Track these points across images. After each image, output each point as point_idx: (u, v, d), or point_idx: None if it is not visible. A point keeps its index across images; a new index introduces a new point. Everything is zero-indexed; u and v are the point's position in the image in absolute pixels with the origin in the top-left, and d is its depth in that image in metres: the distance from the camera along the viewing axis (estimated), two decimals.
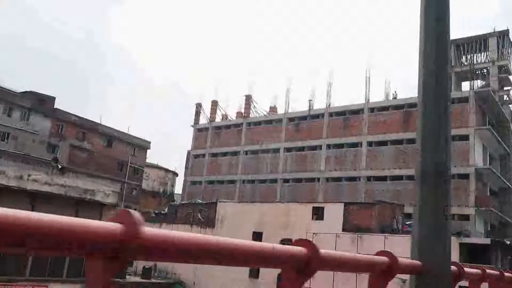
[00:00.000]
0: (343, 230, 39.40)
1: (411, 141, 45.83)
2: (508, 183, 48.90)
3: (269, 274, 42.38)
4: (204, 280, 46.68)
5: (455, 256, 33.86)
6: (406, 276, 3.30)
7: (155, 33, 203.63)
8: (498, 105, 47.39)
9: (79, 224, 1.15)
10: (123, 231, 1.23)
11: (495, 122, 50.73)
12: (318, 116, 52.85)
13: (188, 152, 64.34)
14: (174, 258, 1.50)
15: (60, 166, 25.83)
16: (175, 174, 79.56)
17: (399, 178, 45.68)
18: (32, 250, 1.20)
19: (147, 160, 77.91)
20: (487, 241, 33.88)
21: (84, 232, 1.16)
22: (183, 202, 53.87)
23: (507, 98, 54.25)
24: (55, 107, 58.47)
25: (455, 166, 42.17)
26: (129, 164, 66.10)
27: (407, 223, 38.42)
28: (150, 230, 1.30)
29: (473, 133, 42.71)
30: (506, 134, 51.40)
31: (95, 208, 28.84)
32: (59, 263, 26.20)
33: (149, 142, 69.84)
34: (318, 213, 41.14)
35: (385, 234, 37.02)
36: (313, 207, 41.73)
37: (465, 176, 42.34)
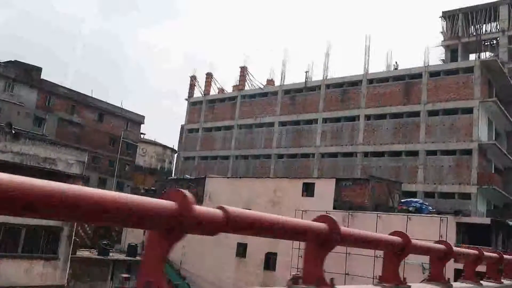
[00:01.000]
0: (334, 207, 37.01)
1: (411, 114, 43.04)
2: None
3: (255, 254, 40.33)
4: (191, 259, 44.76)
5: (451, 236, 31.29)
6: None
7: (157, 6, 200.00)
8: (506, 77, 44.14)
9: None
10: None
11: (503, 96, 47.50)
12: (314, 88, 50.01)
13: (182, 127, 62.00)
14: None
15: (14, 132, 23.44)
16: (174, 151, 77.38)
17: (398, 154, 42.99)
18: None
19: (146, 137, 76.04)
20: (487, 221, 31.24)
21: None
22: (170, 177, 51.70)
23: None
24: (41, 78, 56.20)
25: (457, 141, 39.40)
26: (121, 139, 63.97)
27: (402, 201, 35.86)
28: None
29: (478, 105, 39.70)
30: None
31: (59, 179, 26.56)
32: (15, 238, 24.17)
33: (143, 117, 67.64)
34: (308, 190, 38.74)
35: (378, 213, 34.50)
36: (303, 183, 39.28)
37: (468, 152, 39.53)
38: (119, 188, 61.88)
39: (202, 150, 58.36)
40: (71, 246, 27.19)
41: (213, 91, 60.59)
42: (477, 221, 31.81)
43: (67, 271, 27.23)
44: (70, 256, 27.35)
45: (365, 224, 33.73)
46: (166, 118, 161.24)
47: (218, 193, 44.37)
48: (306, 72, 50.90)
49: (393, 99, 44.18)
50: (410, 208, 34.49)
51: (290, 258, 37.97)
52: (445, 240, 3.78)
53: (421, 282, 4.11)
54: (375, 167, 43.56)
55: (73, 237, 27.55)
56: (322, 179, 39.42)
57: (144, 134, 76.92)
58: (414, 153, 42.00)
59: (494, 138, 42.28)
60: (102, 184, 60.35)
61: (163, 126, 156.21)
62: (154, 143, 75.85)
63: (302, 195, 39.06)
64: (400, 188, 40.14)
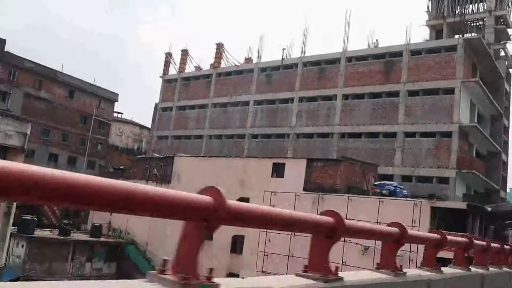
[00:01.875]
0: (305, 189, 34.93)
1: (391, 94, 40.97)
2: (497, 147, 44.13)
3: (222, 236, 38.29)
4: (156, 241, 42.64)
5: (425, 220, 29.38)
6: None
7: None
8: (491, 58, 42.13)
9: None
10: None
11: (488, 79, 45.56)
12: (291, 66, 47.69)
13: (156, 105, 59.43)
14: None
15: None
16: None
17: (375, 135, 40.95)
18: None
19: (124, 116, 73.41)
20: (463, 205, 29.34)
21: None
22: (139, 156, 49.36)
23: (504, 54, 48.80)
24: (5, 50, 53.21)
25: (437, 123, 37.44)
26: (93, 117, 61.29)
27: (375, 183, 33.85)
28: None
29: (460, 86, 37.66)
30: (499, 92, 46.36)
31: None
32: None
33: (117, 94, 65.00)
34: (278, 170, 36.59)
35: (349, 195, 32.49)
36: (273, 163, 37.10)
37: (448, 135, 37.60)
38: (91, 167, 59.44)
39: (175, 129, 55.98)
40: (9, 224, 24.83)
41: (190, 70, 58.04)
42: (452, 206, 29.90)
43: (5, 251, 24.96)
44: (8, 235, 25.06)
45: (335, 208, 31.63)
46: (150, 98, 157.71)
47: (186, 172, 42.19)
48: (283, 49, 48.60)
49: (372, 78, 42.02)
50: (384, 191, 32.52)
51: (257, 242, 36.02)
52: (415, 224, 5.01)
53: (417, 268, 4.12)
54: (352, 148, 41.50)
55: (13, 214, 25.16)
56: (292, 159, 37.32)
57: (121, 113, 74.42)
58: (392, 135, 39.99)
59: (476, 122, 40.32)
60: (71, 163, 57.85)
61: (143, 104, 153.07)
62: (131, 123, 73.27)
63: (271, 176, 36.95)
64: (375, 171, 38.17)
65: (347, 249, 32.04)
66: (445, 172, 37.02)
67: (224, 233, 38.11)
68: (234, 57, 54.58)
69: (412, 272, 3.65)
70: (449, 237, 4.35)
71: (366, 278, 2.95)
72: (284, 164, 36.61)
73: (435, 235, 4.09)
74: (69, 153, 58.56)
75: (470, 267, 4.87)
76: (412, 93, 39.87)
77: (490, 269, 5.47)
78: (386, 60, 41.76)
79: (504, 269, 5.98)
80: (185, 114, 55.56)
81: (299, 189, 34.89)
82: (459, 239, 5.17)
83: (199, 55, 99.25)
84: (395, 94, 40.58)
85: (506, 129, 48.47)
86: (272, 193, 35.70)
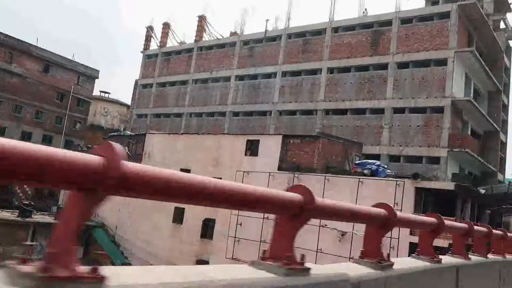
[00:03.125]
0: (280, 168, 31.88)
1: (379, 67, 37.67)
2: (495, 125, 40.78)
3: (192, 220, 35.45)
4: (127, 224, 39.89)
5: (408, 202, 26.29)
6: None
7: None
8: (489, 27, 38.65)
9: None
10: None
11: (487, 52, 42.11)
12: (275, 38, 44.31)
13: (136, 82, 56.22)
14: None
15: None
16: None
17: (361, 111, 37.71)
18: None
19: (111, 96, 70.35)
20: (450, 186, 26.14)
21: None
22: (111, 134, 46.34)
23: (504, 25, 45.13)
24: None
25: (428, 97, 34.17)
26: (71, 94, 58.15)
27: (356, 162, 30.72)
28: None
29: (453, 56, 34.25)
30: (498, 67, 42.88)
31: None
32: None
33: (97, 71, 61.75)
34: (252, 148, 33.49)
35: (326, 175, 29.39)
36: (247, 140, 33.99)
37: (439, 110, 34.32)
38: (67, 146, 56.45)
39: (155, 107, 52.84)
40: None
41: (172, 45, 54.65)
42: (439, 186, 26.72)
43: None
44: None
45: (311, 187, 28.61)
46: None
47: (157, 151, 39.25)
48: (266, 20, 45.31)
49: (359, 49, 38.65)
50: (365, 171, 29.42)
51: (228, 226, 33.08)
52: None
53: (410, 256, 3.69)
54: (336, 126, 38.31)
55: None
56: (267, 136, 34.22)
57: (108, 93, 71.40)
58: (380, 111, 36.74)
59: (472, 98, 36.93)
60: (46, 141, 54.77)
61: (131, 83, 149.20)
62: (118, 103, 70.21)
63: (245, 154, 33.87)
64: (360, 150, 35.06)
65: (323, 235, 29.07)
66: (435, 151, 33.82)
67: (195, 216, 35.27)
68: (218, 31, 51.22)
69: (403, 260, 3.24)
70: (448, 222, 3.98)
71: (336, 273, 2.27)
72: (258, 141, 33.50)
73: (432, 219, 3.64)
74: (44, 131, 55.57)
75: (469, 255, 4.59)
76: (401, 65, 36.53)
77: (490, 257, 5.26)
78: (375, 30, 38.33)
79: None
80: (165, 91, 52.41)
81: (273, 169, 31.85)
82: (458, 224, 4.92)
83: (184, 30, 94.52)
84: (383, 66, 37.24)
85: (506, 107, 45.07)
86: (245, 173, 32.68)
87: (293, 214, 1.93)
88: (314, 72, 40.87)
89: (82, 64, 59.88)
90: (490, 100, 42.67)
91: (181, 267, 1.63)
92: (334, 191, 27.55)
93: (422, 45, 35.65)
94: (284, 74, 42.69)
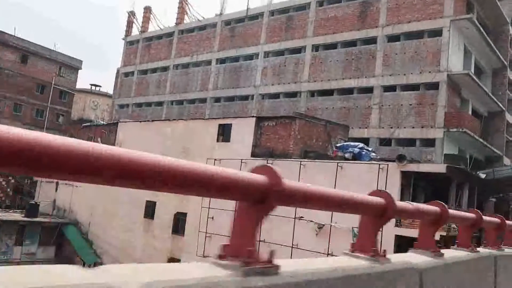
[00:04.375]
0: (253, 155, 28.58)
1: (367, 41, 34.07)
2: (500, 104, 36.94)
3: (164, 214, 32.36)
4: (99, 221, 36.97)
5: (393, 188, 22.75)
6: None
7: None
8: None
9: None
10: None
11: (489, 24, 38.22)
12: (257, 16, 40.83)
13: (118, 71, 53.14)
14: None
15: None
16: None
17: (349, 91, 34.16)
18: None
19: (102, 89, 67.48)
20: (442, 168, 22.51)
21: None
22: (84, 124, 43.34)
23: None
24: None
25: (421, 73, 30.56)
26: (52, 85, 55.30)
27: (337, 145, 27.23)
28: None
29: (449, 25, 30.49)
30: (503, 40, 38.98)
31: None
32: None
33: (80, 61, 58.82)
34: (224, 133, 30.19)
35: (302, 160, 26.00)
36: (219, 124, 30.68)
37: (434, 86, 30.62)
38: None
39: (136, 96, 49.74)
40: None
41: (154, 29, 51.43)
42: (427, 169, 23.13)
43: None
44: None
45: (286, 175, 25.24)
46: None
47: (129, 140, 36.21)
48: None
49: (346, 23, 35.01)
50: (347, 155, 25.96)
51: (199, 220, 29.89)
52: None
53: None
54: (322, 108, 34.80)
55: None
56: (240, 119, 30.83)
57: (99, 86, 68.57)
58: (368, 90, 33.15)
59: (473, 73, 33.14)
60: None
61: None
62: (107, 95, 67.28)
63: (217, 140, 30.58)
64: (346, 133, 31.54)
65: (299, 228, 25.69)
66: (430, 132, 30.17)
67: (166, 210, 32.14)
68: (200, 13, 47.85)
69: (398, 256, 2.92)
70: (452, 212, 3.65)
71: (308, 268, 1.91)
72: (230, 125, 30.16)
73: (435, 208, 3.26)
74: (23, 125, 52.64)
75: (478, 248, 4.25)
76: (391, 39, 32.86)
77: (506, 250, 5.01)
78: (362, 1, 34.65)
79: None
80: (147, 78, 49.27)
81: (247, 155, 28.51)
82: (463, 214, 4.43)
83: (166, 13, 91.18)
84: (372, 40, 33.59)
85: None
86: (217, 161, 29.35)
87: (256, 199, 1.58)
88: (298, 50, 37.37)
89: (64, 54, 57.00)
90: (495, 77, 38.77)
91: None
92: (312, 179, 24.09)
93: (414, 15, 31.93)
94: (267, 54, 39.25)
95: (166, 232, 32.06)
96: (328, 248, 23.73)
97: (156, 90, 47.55)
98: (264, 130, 28.78)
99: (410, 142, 30.84)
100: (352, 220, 23.85)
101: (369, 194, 2.45)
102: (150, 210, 33.30)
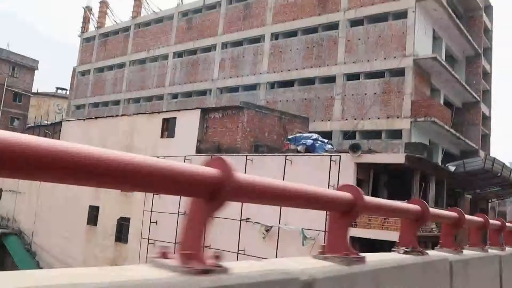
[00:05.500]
0: (198, 151, 25.63)
1: (328, 27, 31.42)
2: (474, 95, 34.46)
3: (107, 220, 29.26)
4: (43, 229, 33.65)
5: (346, 182, 19.80)
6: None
7: None
8: None
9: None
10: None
11: (461, 10, 35.86)
12: (215, 5, 38.00)
13: (74, 70, 49.93)
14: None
15: None
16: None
17: (310, 82, 31.41)
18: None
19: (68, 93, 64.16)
20: (400, 158, 19.69)
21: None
22: (28, 126, 40.12)
23: None
24: None
25: (385, 59, 27.93)
26: (5, 87, 51.93)
27: (289, 137, 24.33)
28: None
29: (414, 5, 27.88)
30: (477, 26, 36.61)
31: None
32: None
33: (37, 61, 55.44)
34: (169, 128, 27.19)
35: (249, 154, 23.10)
36: (163, 119, 27.69)
37: (399, 73, 27.98)
38: None
39: (93, 95, 46.58)
40: None
41: (110, 23, 48.42)
42: (384, 160, 20.32)
43: None
44: None
45: None
46: None
47: (75, 139, 32.80)
48: None
49: (306, 9, 32.32)
50: (299, 147, 23.07)
51: (141, 224, 26.85)
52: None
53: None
54: (282, 101, 31.99)
55: None
56: (185, 111, 27.88)
57: (65, 89, 65.37)
58: (331, 79, 30.41)
59: (444, 60, 30.57)
60: None
61: None
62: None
63: (161, 136, 27.58)
64: (306, 126, 28.73)
65: (246, 231, 22.73)
66: (396, 122, 27.46)
67: (110, 216, 29.05)
68: (158, 6, 44.89)
69: (376, 256, 2.62)
70: (433, 210, 3.47)
71: (261, 270, 1.68)
72: (175, 119, 27.17)
73: (415, 207, 3.08)
74: None
75: (486, 247, 4.63)
76: (354, 23, 30.19)
77: (507, 249, 5.14)
78: None
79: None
80: (103, 76, 46.15)
81: (191, 151, 25.53)
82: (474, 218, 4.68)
83: (123, 7, 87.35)
84: (334, 26, 30.91)
85: (488, 75, 38.71)
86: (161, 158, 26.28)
87: (206, 195, 1.41)
88: (257, 40, 34.61)
89: (17, 54, 53.68)
90: (469, 66, 36.30)
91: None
92: (260, 174, 21.09)
93: None
94: (225, 45, 36.43)
95: (109, 240, 28.93)
96: (277, 253, 20.77)
97: (112, 89, 44.48)
98: (210, 123, 25.86)
99: (376, 134, 28.13)
100: (303, 221, 20.96)
101: (338, 189, 2.20)
102: (93, 216, 30.17)
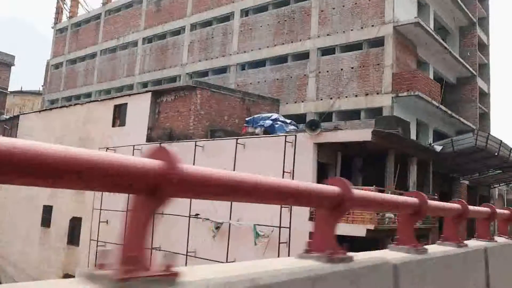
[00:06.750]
0: (149, 139, 22.68)
1: None
2: (470, 68, 31.04)
3: (60, 221, 26.48)
4: (5, 238, 30.96)
5: (306, 167, 16.81)
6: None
7: None
8: None
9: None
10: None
11: None
12: None
13: (47, 63, 47.33)
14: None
15: None
16: None
17: (282, 60, 28.28)
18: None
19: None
20: (365, 135, 16.47)
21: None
22: None
23: None
24: None
25: (362, 28, 24.74)
26: None
27: (247, 119, 21.27)
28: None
29: None
30: None
31: None
32: None
33: (13, 57, 52.95)
34: (120, 116, 24.27)
35: (198, 140, 20.09)
36: (114, 106, 24.80)
37: (378, 43, 24.72)
38: None
39: (66, 89, 43.95)
40: None
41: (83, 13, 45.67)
42: (346, 137, 17.12)
43: None
44: None
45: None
46: None
47: (32, 133, 30.37)
48: None
49: None
50: (257, 130, 20.00)
51: (90, 224, 24.00)
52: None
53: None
54: (253, 83, 28.90)
55: None
56: (135, 96, 24.94)
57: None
58: (304, 56, 27.25)
59: (436, 34, 27.17)
60: None
61: None
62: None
63: (113, 125, 24.68)
64: (276, 108, 25.68)
65: (195, 230, 19.72)
66: (376, 99, 24.24)
67: (63, 216, 26.27)
68: None
69: (360, 255, 2.29)
70: (431, 203, 3.13)
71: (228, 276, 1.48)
72: (126, 105, 24.24)
73: (413, 200, 2.86)
74: None
75: (494, 237, 4.56)
76: None
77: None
78: None
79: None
80: (75, 68, 43.47)
81: (141, 140, 22.58)
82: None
83: None
84: None
85: (485, 47, 35.19)
86: (111, 150, 23.41)
87: (146, 190, 1.24)
88: (227, 18, 31.54)
89: None
90: (463, 37, 32.88)
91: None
92: (211, 162, 18.12)
93: None
94: (194, 27, 33.42)
95: (62, 242, 26.16)
96: (227, 254, 17.72)
97: (84, 81, 41.78)
98: (162, 107, 22.89)
99: (354, 114, 24.95)
100: (259, 216, 17.90)
101: (329, 183, 2.00)
102: (46, 216, 27.41)
